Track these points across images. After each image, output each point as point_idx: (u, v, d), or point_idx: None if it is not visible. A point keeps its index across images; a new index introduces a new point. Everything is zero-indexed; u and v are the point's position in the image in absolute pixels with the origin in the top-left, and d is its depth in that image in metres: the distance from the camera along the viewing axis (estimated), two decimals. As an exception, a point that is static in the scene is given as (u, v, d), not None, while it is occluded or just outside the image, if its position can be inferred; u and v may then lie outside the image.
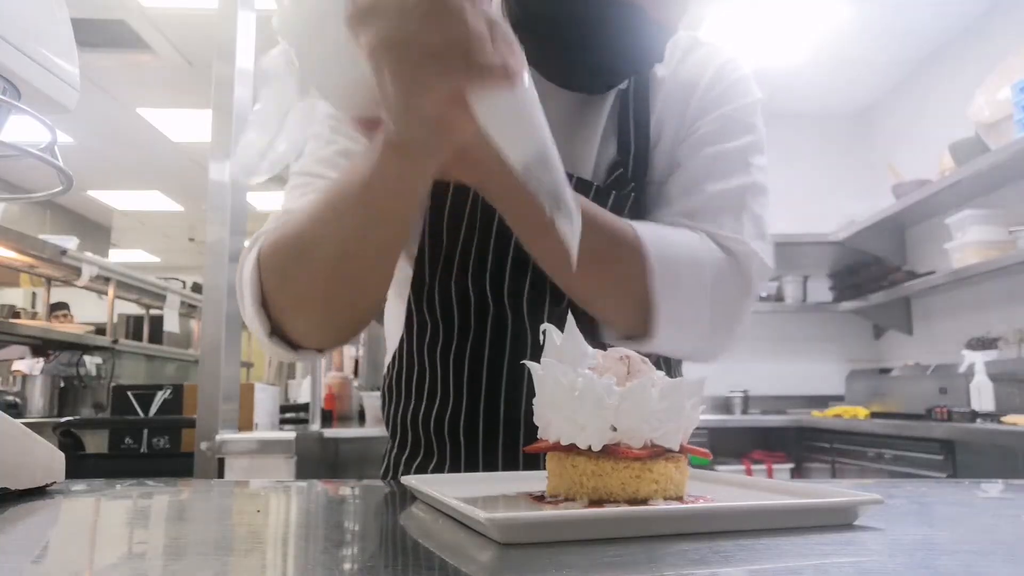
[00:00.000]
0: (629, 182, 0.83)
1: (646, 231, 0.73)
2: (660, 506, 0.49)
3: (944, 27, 3.89)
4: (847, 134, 4.79)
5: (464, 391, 0.85)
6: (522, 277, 0.82)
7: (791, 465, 3.86)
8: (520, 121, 0.48)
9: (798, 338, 4.53)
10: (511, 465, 0.82)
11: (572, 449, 0.52)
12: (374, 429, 2.56)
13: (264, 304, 0.72)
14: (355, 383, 3.19)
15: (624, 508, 0.48)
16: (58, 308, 5.07)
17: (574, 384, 0.51)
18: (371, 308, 0.76)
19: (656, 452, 0.52)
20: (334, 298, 0.70)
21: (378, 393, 2.87)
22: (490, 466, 0.84)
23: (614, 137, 0.84)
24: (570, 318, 0.56)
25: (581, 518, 0.45)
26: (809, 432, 3.76)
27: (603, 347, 0.57)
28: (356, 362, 3.48)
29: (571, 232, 0.49)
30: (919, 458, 2.79)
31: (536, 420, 0.55)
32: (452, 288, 0.83)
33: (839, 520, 0.48)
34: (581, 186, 0.81)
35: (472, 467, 0.84)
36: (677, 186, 0.83)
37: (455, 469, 0.85)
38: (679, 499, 0.52)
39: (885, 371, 4.09)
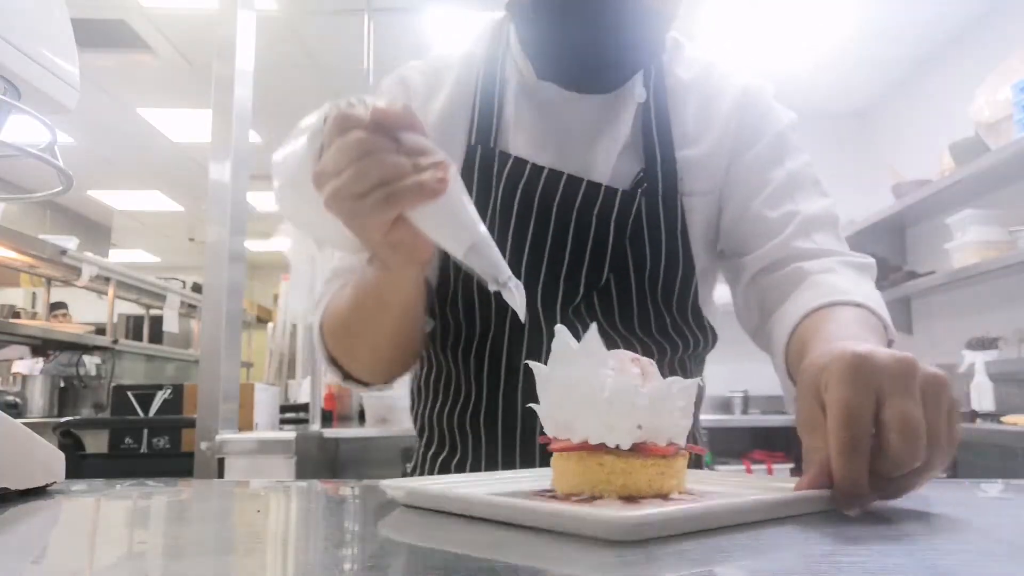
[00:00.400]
0: (653, 187, 0.88)
1: (876, 306, 0.77)
2: (759, 497, 0.50)
3: (944, 27, 3.89)
4: (847, 134, 4.79)
5: (484, 387, 0.90)
6: (535, 276, 0.88)
7: (791, 465, 3.86)
8: (450, 221, 0.59)
9: (798, 338, 4.51)
10: (529, 457, 0.87)
11: (600, 448, 0.53)
12: (374, 429, 2.56)
13: (333, 359, 0.89)
14: (355, 383, 3.19)
15: (727, 501, 0.49)
16: (56, 308, 5.08)
17: (603, 385, 0.53)
18: (413, 351, 0.90)
19: (677, 449, 0.54)
20: (377, 357, 0.87)
21: (378, 393, 2.88)
22: (509, 458, 0.88)
23: (637, 146, 0.90)
24: (593, 324, 0.58)
25: (704, 512, 0.46)
26: (809, 432, 3.76)
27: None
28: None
29: (515, 300, 0.59)
30: (919, 458, 2.79)
31: (551, 420, 0.56)
32: (474, 289, 0.88)
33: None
34: (591, 189, 0.87)
35: (492, 460, 0.89)
36: (759, 208, 0.90)
37: (476, 463, 0.90)
38: (688, 493, 0.55)
39: (885, 371, 4.09)
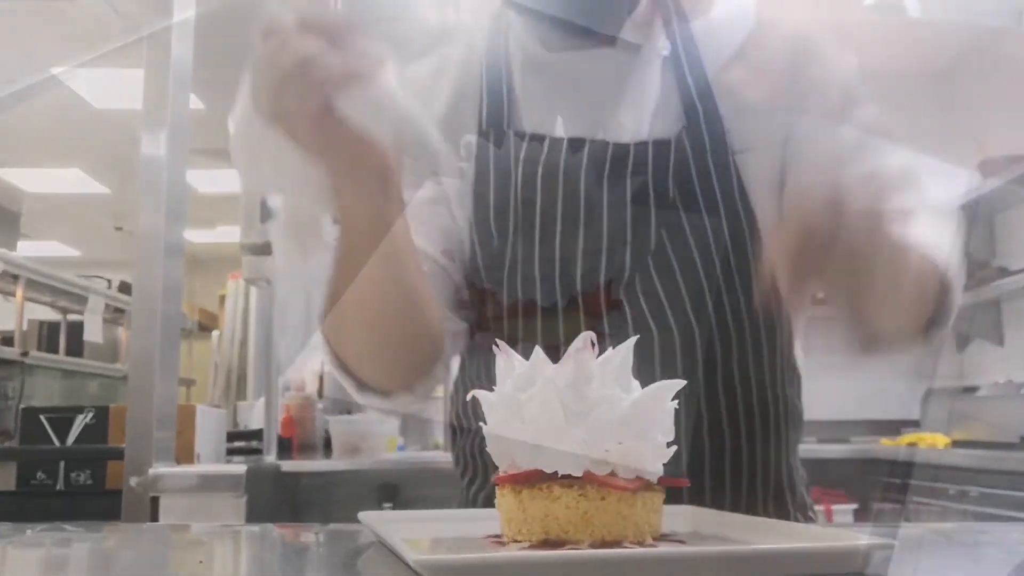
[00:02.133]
0: (699, 143, 0.94)
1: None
2: None
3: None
4: (923, 96, 4.79)
5: None
6: (572, 260, 0.94)
7: (854, 506, 3.86)
8: (376, 108, 0.66)
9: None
10: None
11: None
12: (342, 462, 2.56)
13: (338, 358, 0.91)
14: (319, 405, 3.20)
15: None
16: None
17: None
18: (423, 333, 0.92)
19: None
20: (377, 337, 0.89)
21: (348, 417, 2.88)
22: None
23: (672, 105, 0.96)
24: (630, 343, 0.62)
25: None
26: (876, 465, 3.76)
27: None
28: (321, 379, 3.48)
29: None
30: (1012, 497, 2.79)
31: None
32: (515, 316, 0.96)
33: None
34: (619, 151, 0.93)
35: None
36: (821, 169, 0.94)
37: None
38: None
39: (970, 390, 4.10)
